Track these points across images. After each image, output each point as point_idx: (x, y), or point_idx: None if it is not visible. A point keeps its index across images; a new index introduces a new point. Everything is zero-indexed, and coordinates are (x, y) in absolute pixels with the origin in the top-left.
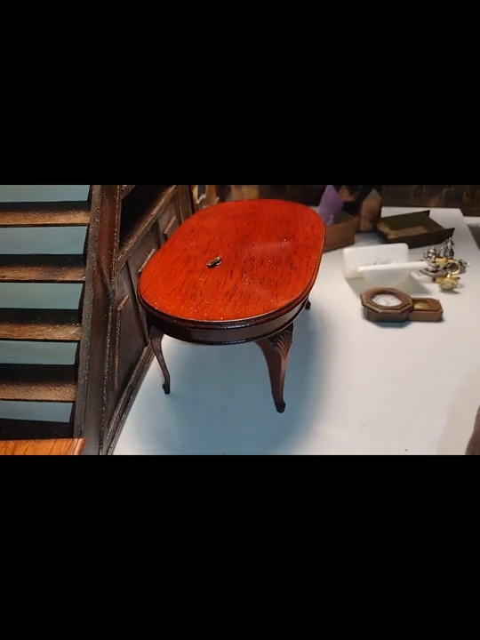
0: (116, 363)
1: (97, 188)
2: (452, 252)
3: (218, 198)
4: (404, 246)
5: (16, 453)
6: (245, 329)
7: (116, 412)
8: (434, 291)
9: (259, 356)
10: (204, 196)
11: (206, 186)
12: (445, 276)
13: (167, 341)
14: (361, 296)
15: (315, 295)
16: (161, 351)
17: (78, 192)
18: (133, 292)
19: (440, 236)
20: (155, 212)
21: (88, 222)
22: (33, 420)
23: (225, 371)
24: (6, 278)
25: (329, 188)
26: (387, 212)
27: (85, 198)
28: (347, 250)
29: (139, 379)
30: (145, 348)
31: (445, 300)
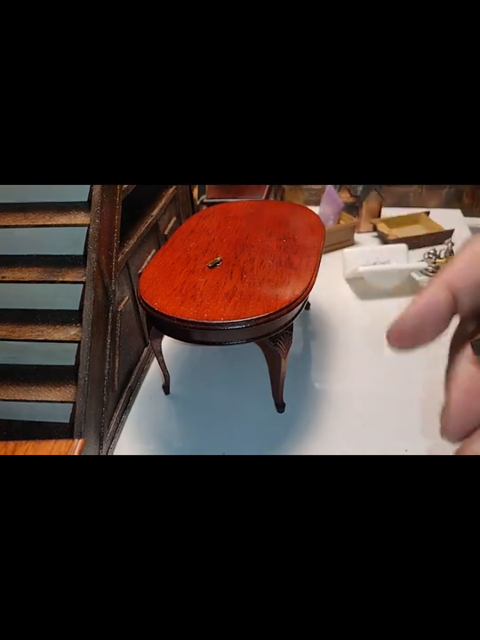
0: (117, 363)
1: (97, 188)
2: (452, 253)
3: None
4: (403, 247)
5: (16, 453)
6: (246, 329)
7: (116, 413)
8: None
9: (259, 357)
10: (204, 197)
11: (206, 186)
12: None
13: (167, 342)
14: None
15: (315, 295)
16: (161, 352)
17: (78, 192)
18: (133, 293)
19: (440, 236)
20: (155, 212)
21: (88, 223)
22: (33, 421)
23: (225, 371)
24: (6, 278)
25: (329, 188)
26: (387, 212)
27: (85, 198)
28: (346, 250)
29: (139, 379)
30: (145, 349)
31: None
